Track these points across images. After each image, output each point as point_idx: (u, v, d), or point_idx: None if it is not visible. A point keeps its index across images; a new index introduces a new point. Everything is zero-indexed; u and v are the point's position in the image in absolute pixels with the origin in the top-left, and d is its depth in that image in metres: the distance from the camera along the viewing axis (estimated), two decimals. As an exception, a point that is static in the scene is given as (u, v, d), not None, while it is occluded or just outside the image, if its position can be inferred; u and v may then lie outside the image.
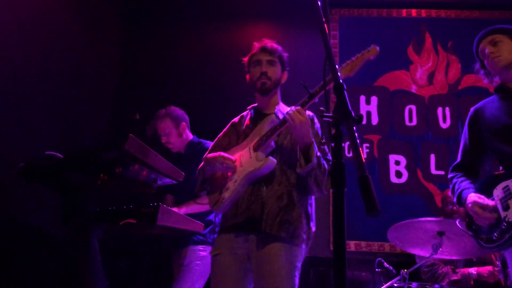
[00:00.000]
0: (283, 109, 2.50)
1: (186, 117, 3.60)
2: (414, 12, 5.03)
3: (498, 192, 2.20)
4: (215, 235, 3.27)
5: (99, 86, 4.57)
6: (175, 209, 2.98)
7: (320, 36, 1.50)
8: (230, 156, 2.38)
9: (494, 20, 4.75)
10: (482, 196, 2.24)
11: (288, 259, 2.20)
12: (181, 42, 5.01)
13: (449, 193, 4.03)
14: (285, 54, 2.59)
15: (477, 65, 2.69)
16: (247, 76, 2.60)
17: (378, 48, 2.25)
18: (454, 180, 2.49)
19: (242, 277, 2.26)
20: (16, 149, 3.15)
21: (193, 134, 3.59)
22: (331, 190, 1.29)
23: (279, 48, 2.57)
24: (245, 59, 2.63)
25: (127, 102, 4.74)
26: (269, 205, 2.26)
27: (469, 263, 3.54)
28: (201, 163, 3.23)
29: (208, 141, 3.45)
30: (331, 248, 4.00)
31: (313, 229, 2.39)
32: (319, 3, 1.60)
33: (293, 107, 2.23)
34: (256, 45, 2.58)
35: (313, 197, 2.43)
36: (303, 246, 2.30)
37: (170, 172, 2.42)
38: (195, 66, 4.89)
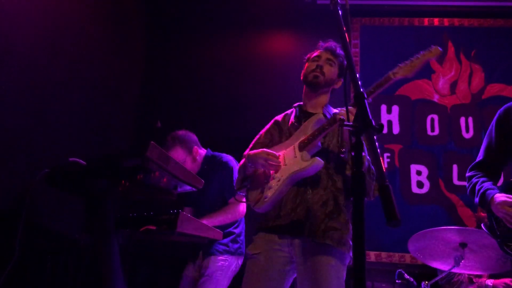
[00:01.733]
0: (331, 110, 2.48)
1: (194, 137, 3.48)
2: (436, 21, 4.98)
3: None
4: (237, 245, 3.28)
5: (122, 94, 4.64)
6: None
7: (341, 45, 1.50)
8: (273, 152, 2.32)
9: (519, 28, 4.69)
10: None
11: (334, 267, 2.17)
12: (203, 51, 5.06)
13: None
14: (343, 61, 2.51)
15: None
16: (302, 73, 2.55)
17: (440, 49, 2.27)
18: (474, 180, 2.35)
19: (278, 280, 2.23)
20: (41, 156, 3.22)
21: (214, 142, 3.57)
22: (351, 199, 1.29)
23: (343, 54, 2.49)
24: (306, 57, 2.61)
25: (150, 111, 4.81)
26: (313, 211, 2.21)
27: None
28: (218, 176, 3.23)
29: (224, 154, 3.44)
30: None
31: None
32: (340, 12, 1.60)
33: (343, 108, 2.22)
34: (321, 44, 2.56)
35: None
36: (351, 252, 2.25)
37: (190, 179, 2.44)
38: (217, 75, 4.93)
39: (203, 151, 3.49)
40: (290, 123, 2.48)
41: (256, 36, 5.10)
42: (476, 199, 2.28)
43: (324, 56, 2.47)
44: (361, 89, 1.35)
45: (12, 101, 3.04)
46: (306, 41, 4.93)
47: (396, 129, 4.72)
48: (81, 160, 2.37)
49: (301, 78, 2.53)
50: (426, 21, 5.00)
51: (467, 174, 2.43)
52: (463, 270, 3.04)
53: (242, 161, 2.47)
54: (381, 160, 1.22)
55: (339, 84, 2.53)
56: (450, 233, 2.90)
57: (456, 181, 4.49)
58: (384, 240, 4.28)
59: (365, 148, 2.10)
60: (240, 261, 3.28)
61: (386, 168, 4.57)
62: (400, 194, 4.49)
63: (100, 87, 4.18)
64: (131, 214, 2.70)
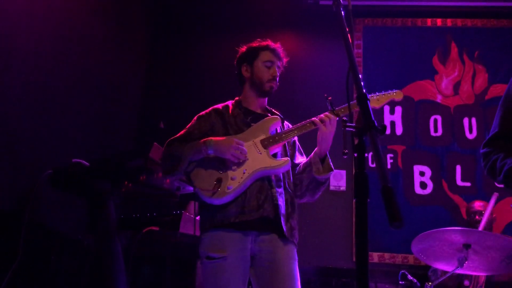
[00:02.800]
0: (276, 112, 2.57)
1: None
2: (439, 22, 4.98)
3: None
4: None
5: (126, 95, 4.65)
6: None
7: (343, 46, 1.50)
8: (243, 143, 2.27)
9: (523, 29, 4.68)
10: None
11: (296, 265, 2.27)
12: (207, 52, 5.07)
13: (474, 204, 3.95)
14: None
15: None
16: (245, 68, 2.54)
17: (402, 94, 2.50)
18: (494, 157, 2.00)
19: (244, 279, 2.19)
20: (44, 157, 3.23)
21: None
22: (354, 200, 1.29)
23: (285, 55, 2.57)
24: (245, 49, 2.60)
25: (153, 112, 4.82)
26: (281, 209, 2.25)
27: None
28: None
29: None
30: (354, 259, 3.95)
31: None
32: (342, 12, 1.60)
33: (323, 114, 2.28)
34: (269, 44, 2.56)
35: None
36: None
37: (193, 180, 2.44)
38: (221, 76, 4.93)
39: None
40: (236, 117, 2.45)
41: (260, 37, 5.09)
42: (500, 178, 1.95)
43: (276, 63, 2.50)
44: (364, 90, 1.35)
45: (16, 102, 3.06)
46: (309, 41, 4.93)
47: (399, 130, 4.71)
48: (84, 161, 2.38)
49: (250, 79, 2.51)
50: (429, 21, 4.99)
51: (482, 151, 2.09)
52: (467, 271, 3.03)
53: (193, 144, 2.30)
54: (384, 161, 1.22)
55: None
56: (453, 234, 2.88)
57: (459, 182, 4.48)
58: (387, 241, 4.27)
59: None
60: None
61: (389, 169, 4.56)
62: (403, 195, 4.48)
63: (103, 89, 4.19)
64: (134, 214, 2.71)
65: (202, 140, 2.29)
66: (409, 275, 3.16)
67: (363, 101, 1.33)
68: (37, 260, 2.87)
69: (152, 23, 5.18)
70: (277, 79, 2.49)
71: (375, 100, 2.39)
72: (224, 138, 2.29)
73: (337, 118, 2.27)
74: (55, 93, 3.48)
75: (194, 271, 3.41)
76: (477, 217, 3.78)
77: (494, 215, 3.94)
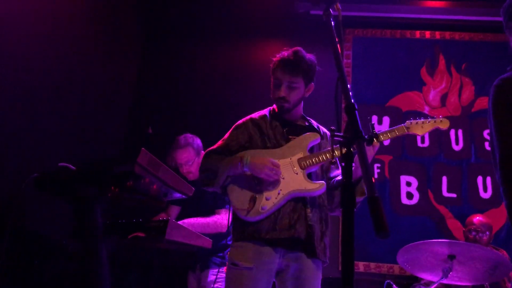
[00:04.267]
0: (313, 123, 2.52)
1: (201, 144, 3.57)
2: (428, 34, 5.04)
3: None
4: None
5: (115, 100, 4.63)
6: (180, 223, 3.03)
7: (332, 56, 1.52)
8: (278, 163, 2.25)
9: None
10: None
11: (320, 280, 2.33)
12: (197, 58, 5.07)
13: (474, 219, 3.81)
14: (312, 63, 2.42)
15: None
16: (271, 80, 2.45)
17: (449, 123, 2.41)
18: None
19: None
20: (30, 160, 3.20)
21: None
22: (341, 210, 1.29)
23: (304, 59, 2.38)
24: (271, 64, 2.46)
25: (142, 117, 4.79)
26: (315, 229, 2.27)
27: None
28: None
29: None
30: (340, 268, 3.96)
31: None
32: (332, 23, 1.62)
33: (326, 130, 2.38)
34: (279, 58, 2.42)
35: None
36: None
37: (181, 186, 2.43)
38: (211, 82, 4.94)
39: None
40: (274, 130, 2.41)
41: (251, 45, 5.12)
42: None
43: (285, 80, 2.35)
44: (352, 100, 1.36)
45: (4, 105, 3.02)
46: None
47: (386, 140, 4.73)
48: (71, 165, 2.35)
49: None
50: (418, 33, 5.05)
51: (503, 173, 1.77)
52: (452, 282, 3.05)
53: (230, 159, 2.32)
54: (371, 172, 1.23)
55: (310, 91, 2.47)
56: (439, 245, 2.91)
57: (445, 193, 4.52)
58: (373, 251, 4.28)
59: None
60: None
61: (376, 179, 4.59)
62: (390, 205, 4.51)
63: (93, 93, 4.16)
64: (120, 220, 2.68)
65: (239, 155, 2.31)
66: (394, 285, 3.17)
67: (351, 111, 1.34)
68: (20, 264, 2.83)
69: (143, 28, 5.17)
70: (289, 98, 2.36)
71: (420, 127, 2.37)
72: (260, 157, 2.28)
73: (378, 144, 2.26)
74: (43, 96, 3.45)
75: (185, 279, 3.40)
76: (476, 235, 3.65)
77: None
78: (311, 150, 2.38)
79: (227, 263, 2.35)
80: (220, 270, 3.19)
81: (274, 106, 2.51)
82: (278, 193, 2.25)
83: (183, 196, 2.49)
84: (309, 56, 2.43)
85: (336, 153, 2.22)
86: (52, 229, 3.20)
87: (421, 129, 2.36)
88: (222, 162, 2.32)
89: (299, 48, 2.44)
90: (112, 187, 2.44)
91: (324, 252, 2.32)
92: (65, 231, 2.72)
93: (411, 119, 2.41)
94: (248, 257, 2.23)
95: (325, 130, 2.53)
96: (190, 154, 3.43)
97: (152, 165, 2.21)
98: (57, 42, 3.62)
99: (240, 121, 2.50)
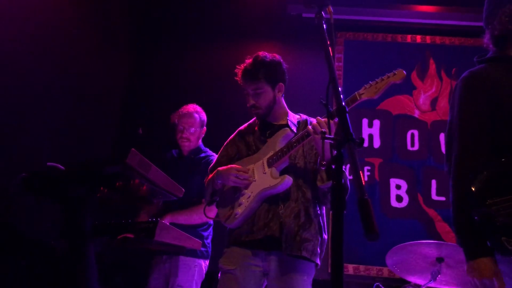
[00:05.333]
0: (293, 119, 2.48)
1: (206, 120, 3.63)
2: (419, 38, 5.07)
3: None
4: (205, 248, 3.29)
5: (105, 100, 4.60)
6: (167, 219, 3.02)
7: (323, 59, 1.52)
8: (243, 168, 2.34)
9: (498, 49, 4.79)
10: None
11: (306, 281, 2.27)
12: (188, 60, 5.05)
13: None
14: (273, 64, 2.42)
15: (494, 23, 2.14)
16: None
17: (405, 72, 2.26)
18: None
19: None
20: (19, 159, 3.16)
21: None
22: (330, 212, 1.30)
23: (263, 63, 2.40)
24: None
25: (133, 117, 4.77)
26: (287, 224, 2.24)
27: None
28: (202, 173, 3.24)
29: (214, 153, 3.45)
30: (329, 271, 3.97)
31: (326, 238, 2.39)
32: (324, 26, 1.62)
33: (313, 120, 2.23)
34: (240, 71, 2.49)
35: (324, 208, 2.43)
36: (318, 261, 2.34)
37: (171, 187, 2.42)
38: (202, 84, 4.92)
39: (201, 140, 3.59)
40: (255, 135, 2.48)
41: (243, 47, 5.11)
42: None
43: (249, 89, 2.42)
44: (343, 103, 1.36)
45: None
46: (292, 52, 4.96)
47: (377, 143, 4.76)
48: (59, 165, 2.33)
49: None
50: (409, 38, 5.08)
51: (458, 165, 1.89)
52: (439, 285, 3.07)
53: (210, 176, 2.48)
54: (361, 174, 1.23)
55: (281, 91, 2.47)
56: (427, 247, 2.93)
57: (434, 196, 4.54)
58: (363, 253, 4.30)
59: None
60: (206, 263, 3.32)
61: (366, 182, 4.61)
62: (379, 208, 4.53)
63: (83, 92, 4.13)
64: (109, 221, 2.66)
65: (215, 170, 2.43)
66: (383, 288, 3.19)
67: (342, 113, 1.35)
68: (7, 265, 2.80)
69: (135, 30, 5.14)
70: (259, 104, 2.40)
71: (373, 89, 2.23)
72: (227, 166, 2.38)
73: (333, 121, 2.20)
74: (33, 95, 3.42)
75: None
76: None
77: None
78: None
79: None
80: (190, 259, 3.18)
81: None
82: (249, 196, 2.30)
83: (173, 197, 2.49)
84: (271, 57, 2.44)
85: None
86: (40, 230, 3.17)
87: (374, 90, 2.23)
88: (209, 178, 2.48)
89: (259, 53, 2.47)
90: (101, 188, 2.42)
91: (302, 246, 2.23)
92: (53, 232, 2.70)
93: (364, 85, 2.27)
94: (231, 261, 2.31)
95: (311, 119, 2.47)
96: (195, 122, 3.47)
97: (142, 166, 2.20)
98: (47, 41, 3.59)
99: (231, 136, 2.61)
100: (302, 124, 2.47)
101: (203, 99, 4.85)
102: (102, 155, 4.31)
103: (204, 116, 3.58)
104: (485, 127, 1.82)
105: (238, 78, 2.50)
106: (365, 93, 2.22)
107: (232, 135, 2.60)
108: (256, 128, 2.51)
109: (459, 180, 1.83)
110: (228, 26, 5.10)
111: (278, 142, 2.34)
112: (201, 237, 3.25)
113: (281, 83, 2.46)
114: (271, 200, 2.29)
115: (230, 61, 5.00)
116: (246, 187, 2.33)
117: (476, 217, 1.70)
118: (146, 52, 5.11)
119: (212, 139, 3.79)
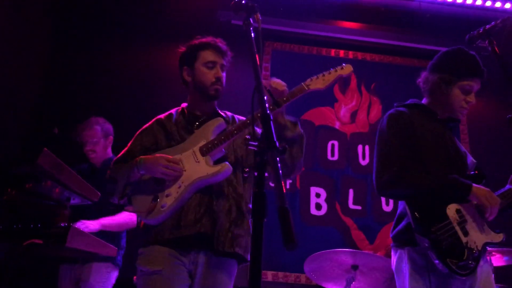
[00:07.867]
0: (221, 113, 2.42)
1: (112, 130, 3.59)
2: (342, 53, 5.28)
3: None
4: (119, 257, 3.17)
5: (19, 96, 4.30)
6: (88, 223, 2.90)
7: (251, 66, 1.52)
8: (174, 160, 2.14)
9: (414, 67, 5.11)
10: None
11: (231, 282, 2.18)
12: (113, 61, 4.86)
13: None
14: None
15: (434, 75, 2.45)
16: (186, 72, 2.38)
17: (352, 68, 2.31)
18: None
19: None
20: None
21: (116, 152, 3.48)
22: (250, 220, 1.29)
23: (228, 49, 2.41)
24: (184, 50, 2.42)
25: (49, 116, 4.49)
26: (220, 220, 2.11)
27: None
28: None
29: None
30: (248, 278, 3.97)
31: None
32: (252, 34, 1.62)
33: (241, 117, 2.25)
34: (210, 42, 2.39)
35: None
36: (249, 257, 2.24)
37: (85, 191, 2.30)
38: (124, 86, 4.76)
39: (111, 152, 3.56)
40: (179, 126, 2.33)
41: (170, 50, 5.01)
42: None
43: (220, 63, 2.36)
44: (267, 111, 1.37)
45: None
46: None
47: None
48: (-40, 164, 2.14)
49: (193, 83, 2.37)
50: (332, 52, 5.28)
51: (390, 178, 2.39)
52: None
53: (128, 165, 2.21)
54: (282, 182, 1.24)
55: None
56: (343, 255, 3.02)
57: (351, 205, 4.72)
58: (282, 260, 4.35)
59: None
60: (117, 273, 3.26)
61: (287, 189, 4.69)
62: (299, 215, 4.62)
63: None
64: (15, 225, 2.47)
65: (135, 160, 2.17)
66: (300, 295, 3.24)
67: (266, 121, 1.35)
68: None
69: (55, 26, 4.86)
70: (223, 79, 2.34)
71: (321, 80, 2.23)
72: (153, 156, 2.16)
73: (282, 109, 2.17)
74: None
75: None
76: None
77: None
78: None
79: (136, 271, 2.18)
80: (104, 265, 3.11)
81: (183, 105, 2.46)
82: (179, 187, 2.12)
83: (87, 201, 2.36)
84: None
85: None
86: None
87: (322, 82, 2.23)
88: (121, 169, 2.21)
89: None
90: (9, 189, 2.25)
91: (234, 242, 2.12)
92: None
93: (311, 77, 2.29)
94: (155, 261, 2.08)
95: (240, 117, 2.44)
96: (97, 133, 3.46)
97: (55, 167, 2.07)
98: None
99: (146, 125, 2.40)
100: (230, 119, 2.42)
101: (123, 100, 4.70)
102: (12, 154, 4.01)
103: (107, 126, 3.55)
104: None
105: (209, 43, 2.38)
106: (311, 84, 2.22)
107: (149, 123, 2.39)
108: (180, 118, 2.37)
109: (412, 180, 2.25)
110: (157, 29, 4.99)
111: (211, 131, 2.23)
112: (119, 245, 3.16)
113: None
114: (203, 193, 2.15)
115: (156, 64, 4.93)
116: (176, 179, 2.14)
117: (426, 244, 2.05)
118: (67, 49, 4.84)
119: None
